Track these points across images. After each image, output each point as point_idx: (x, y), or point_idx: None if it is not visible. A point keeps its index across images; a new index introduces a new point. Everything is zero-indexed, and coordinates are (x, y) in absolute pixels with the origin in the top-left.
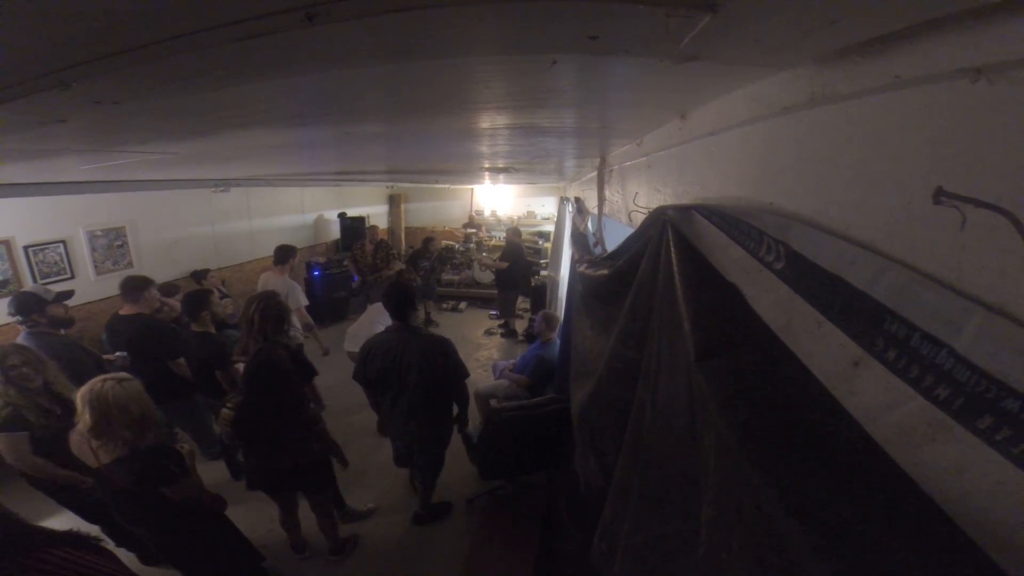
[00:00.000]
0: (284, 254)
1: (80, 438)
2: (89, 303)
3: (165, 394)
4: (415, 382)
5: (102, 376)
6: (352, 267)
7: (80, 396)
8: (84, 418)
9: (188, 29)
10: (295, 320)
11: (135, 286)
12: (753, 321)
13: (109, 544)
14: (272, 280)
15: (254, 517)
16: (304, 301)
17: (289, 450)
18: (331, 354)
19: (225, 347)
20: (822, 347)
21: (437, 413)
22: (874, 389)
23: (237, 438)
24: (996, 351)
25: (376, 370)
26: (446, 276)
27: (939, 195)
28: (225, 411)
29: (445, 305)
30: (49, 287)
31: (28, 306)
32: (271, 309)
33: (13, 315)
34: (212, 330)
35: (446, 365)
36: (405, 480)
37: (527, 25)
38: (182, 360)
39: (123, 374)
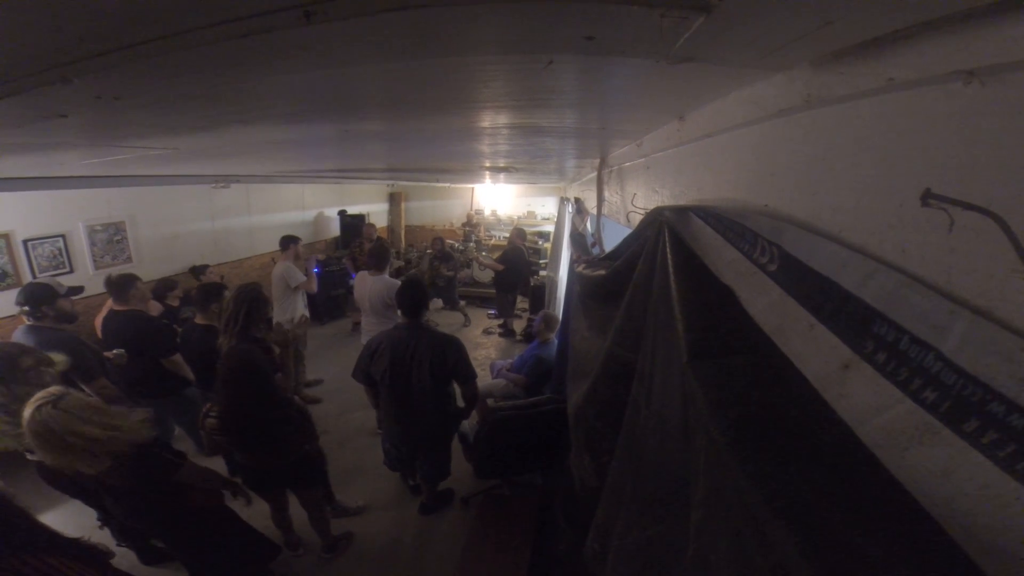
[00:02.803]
0: (285, 242)
1: None
2: (87, 297)
3: (158, 390)
4: (425, 380)
5: (34, 402)
6: (350, 265)
7: (26, 430)
8: (43, 455)
9: (187, 26)
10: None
11: (120, 284)
12: (746, 323)
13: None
14: (278, 266)
15: (250, 513)
16: (302, 278)
17: (278, 449)
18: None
19: None
20: (813, 349)
21: (443, 414)
22: (864, 392)
23: (227, 444)
24: (983, 354)
25: (384, 368)
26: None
27: (927, 197)
28: (210, 421)
29: (443, 304)
30: (60, 280)
31: (39, 297)
32: (240, 301)
33: (22, 304)
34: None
35: (456, 364)
36: (399, 479)
37: (523, 25)
38: (178, 357)
39: (57, 389)
